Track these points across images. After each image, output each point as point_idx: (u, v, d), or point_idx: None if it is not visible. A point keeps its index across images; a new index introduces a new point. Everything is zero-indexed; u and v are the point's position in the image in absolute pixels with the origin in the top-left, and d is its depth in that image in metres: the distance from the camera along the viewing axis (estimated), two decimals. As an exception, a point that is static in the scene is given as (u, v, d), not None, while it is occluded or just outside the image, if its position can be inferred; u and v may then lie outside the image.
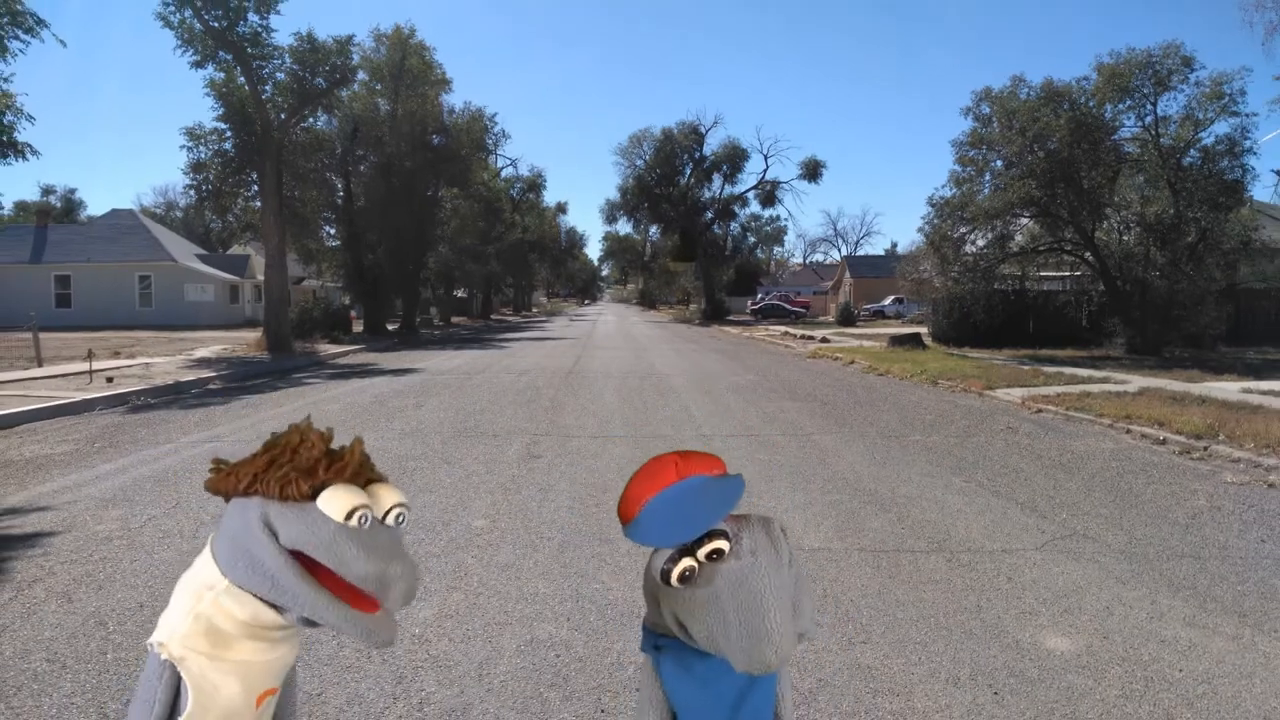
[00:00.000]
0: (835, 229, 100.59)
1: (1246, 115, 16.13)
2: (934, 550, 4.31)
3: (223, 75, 18.39)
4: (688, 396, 11.03)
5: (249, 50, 17.57)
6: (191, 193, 20.92)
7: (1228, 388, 10.72)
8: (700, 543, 1.15)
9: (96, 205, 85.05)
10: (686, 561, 1.15)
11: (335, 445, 1.19)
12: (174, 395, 11.19)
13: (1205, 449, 7.00)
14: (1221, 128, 16.66)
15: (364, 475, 1.17)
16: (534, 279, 77.10)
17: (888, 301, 45.50)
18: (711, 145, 47.37)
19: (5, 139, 12.71)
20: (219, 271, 35.11)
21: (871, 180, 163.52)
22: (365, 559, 1.07)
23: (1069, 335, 19.51)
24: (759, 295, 58.86)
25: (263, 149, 18.55)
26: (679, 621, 1.20)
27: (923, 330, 22.75)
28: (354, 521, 1.09)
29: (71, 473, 6.14)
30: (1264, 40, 18.73)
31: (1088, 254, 17.86)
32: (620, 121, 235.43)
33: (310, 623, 1.14)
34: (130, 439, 7.63)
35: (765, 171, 58.82)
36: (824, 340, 24.06)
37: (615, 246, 73.85)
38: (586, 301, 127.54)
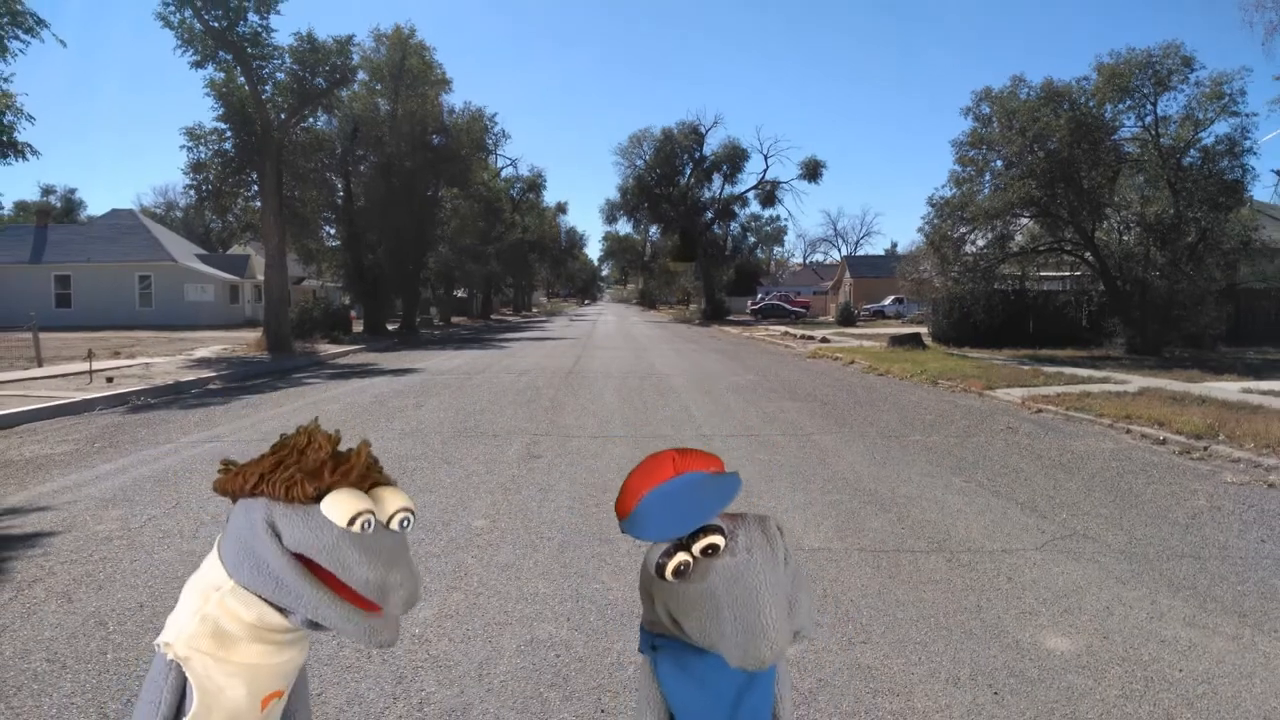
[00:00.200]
0: (835, 229, 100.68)
1: (1246, 115, 16.15)
2: (934, 550, 4.31)
3: (223, 75, 18.40)
4: (688, 396, 11.03)
5: (249, 50, 17.57)
6: (191, 193, 20.93)
7: (1228, 388, 10.72)
8: (695, 538, 1.16)
9: (96, 205, 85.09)
10: (681, 556, 1.15)
11: (343, 447, 1.19)
12: (174, 395, 11.19)
13: (1205, 449, 7.00)
14: (1221, 128, 16.68)
15: (370, 478, 1.17)
16: (534, 279, 77.11)
17: (888, 301, 45.50)
18: (711, 145, 47.47)
19: (5, 139, 12.71)
20: (219, 271, 35.11)
21: (871, 180, 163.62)
22: (367, 565, 1.08)
23: (1069, 335, 19.51)
24: (759, 295, 58.86)
25: (263, 149, 18.55)
26: (672, 617, 1.20)
27: (923, 330, 22.75)
28: (356, 527, 1.09)
29: (71, 473, 6.14)
30: (1264, 40, 18.73)
31: (1088, 254, 17.86)
32: (620, 121, 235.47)
33: (315, 625, 1.14)
34: (130, 439, 7.63)
35: (765, 171, 58.92)
36: (824, 340, 24.06)
37: (615, 246, 73.84)
38: (586, 301, 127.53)
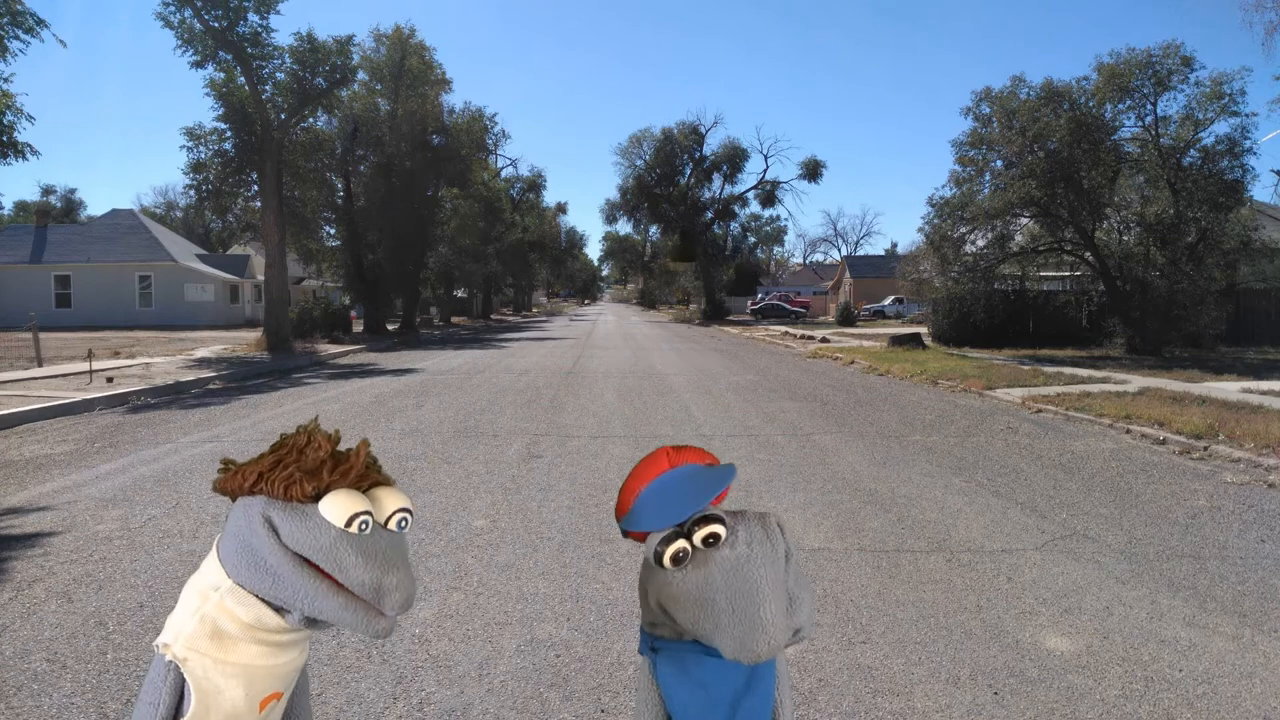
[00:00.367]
0: (835, 229, 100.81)
1: (1246, 115, 16.15)
2: (934, 550, 4.31)
3: (223, 75, 18.40)
4: (688, 396, 11.03)
5: (249, 50, 17.58)
6: (191, 193, 20.92)
7: (1228, 388, 10.72)
8: (696, 527, 1.16)
9: (96, 205, 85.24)
10: (680, 543, 1.15)
11: (342, 447, 1.19)
12: (174, 395, 11.20)
13: (1205, 449, 7.00)
14: (1221, 128, 16.69)
15: (369, 478, 1.18)
16: (534, 279, 77.11)
17: (888, 301, 45.53)
18: (711, 145, 47.45)
19: (5, 139, 12.70)
20: (219, 271, 35.11)
21: (871, 180, 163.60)
22: (364, 566, 1.08)
23: (1069, 335, 19.52)
24: (759, 295, 58.88)
25: (263, 149, 18.55)
26: (663, 607, 1.20)
27: (923, 330, 22.76)
28: (354, 528, 1.09)
29: (71, 473, 6.14)
30: (1264, 40, 18.74)
31: (1088, 254, 17.86)
32: (620, 121, 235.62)
33: (313, 623, 1.14)
34: (130, 439, 7.63)
35: (765, 171, 59.08)
36: (824, 340, 24.06)
37: (615, 246, 73.89)
38: (586, 301, 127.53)
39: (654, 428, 8.40)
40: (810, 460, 6.68)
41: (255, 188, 20.20)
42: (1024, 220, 18.96)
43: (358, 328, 28.73)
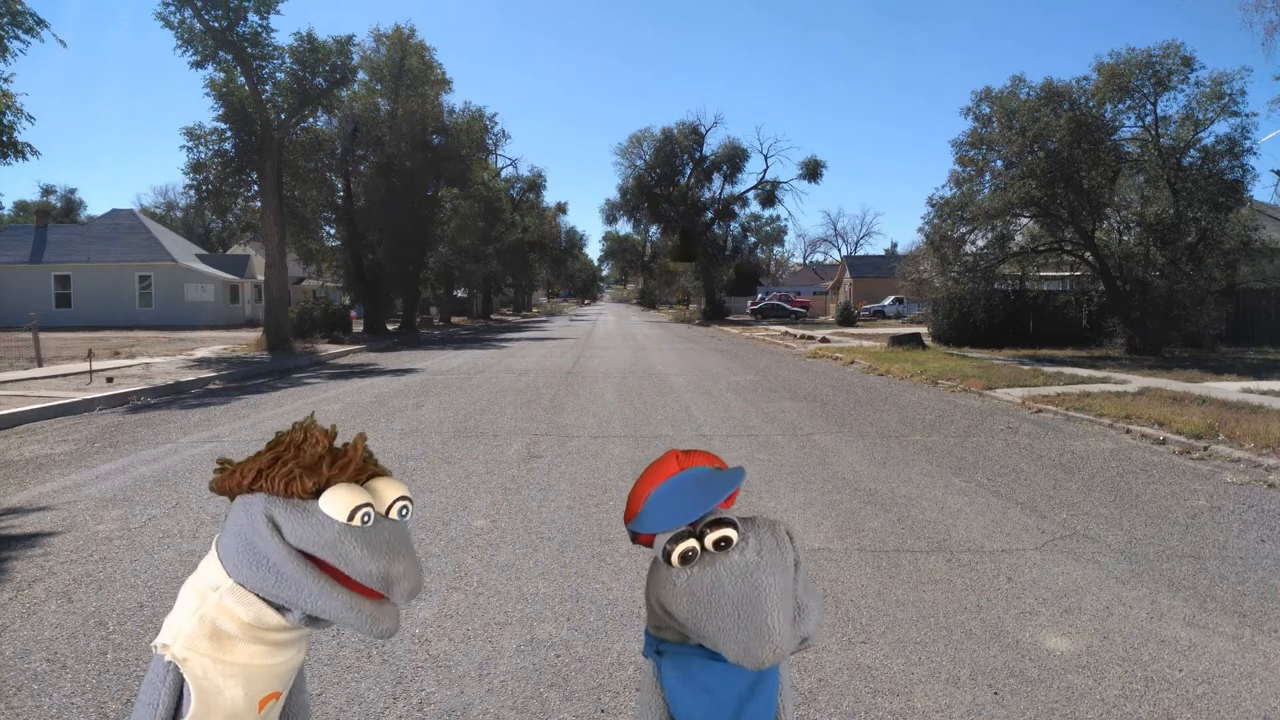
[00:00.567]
0: (835, 229, 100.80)
1: (1246, 115, 16.15)
2: (934, 550, 4.31)
3: (223, 75, 18.40)
4: (688, 396, 11.03)
5: (249, 50, 17.58)
6: (191, 193, 20.92)
7: (1228, 388, 10.72)
8: (708, 530, 1.16)
9: (96, 205, 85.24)
10: (690, 542, 1.16)
11: (338, 443, 1.19)
12: (174, 395, 11.20)
13: (1205, 449, 7.00)
14: (1221, 128, 16.68)
15: (367, 470, 1.18)
16: (534, 279, 77.11)
17: (888, 301, 45.53)
18: (711, 145, 47.45)
19: (5, 139, 12.70)
20: (219, 271, 35.12)
21: (871, 180, 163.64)
22: (370, 558, 1.08)
23: (1069, 335, 19.52)
24: (759, 295, 58.88)
25: (263, 149, 18.55)
26: (665, 607, 1.20)
27: (923, 330, 22.75)
28: (357, 520, 1.09)
29: (71, 473, 6.14)
30: (1264, 40, 18.73)
31: (1088, 254, 17.86)
32: (620, 121, 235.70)
33: (314, 621, 1.14)
34: (130, 439, 7.63)
35: (765, 171, 59.06)
36: (824, 340, 24.06)
37: (615, 246, 73.88)
38: (586, 301, 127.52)
39: (654, 428, 8.40)
40: (810, 460, 6.68)
41: (255, 188, 20.20)
42: (1024, 220, 18.97)
43: (358, 328, 28.73)
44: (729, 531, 1.16)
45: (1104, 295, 18.35)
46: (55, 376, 12.56)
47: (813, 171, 46.34)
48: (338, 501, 1.10)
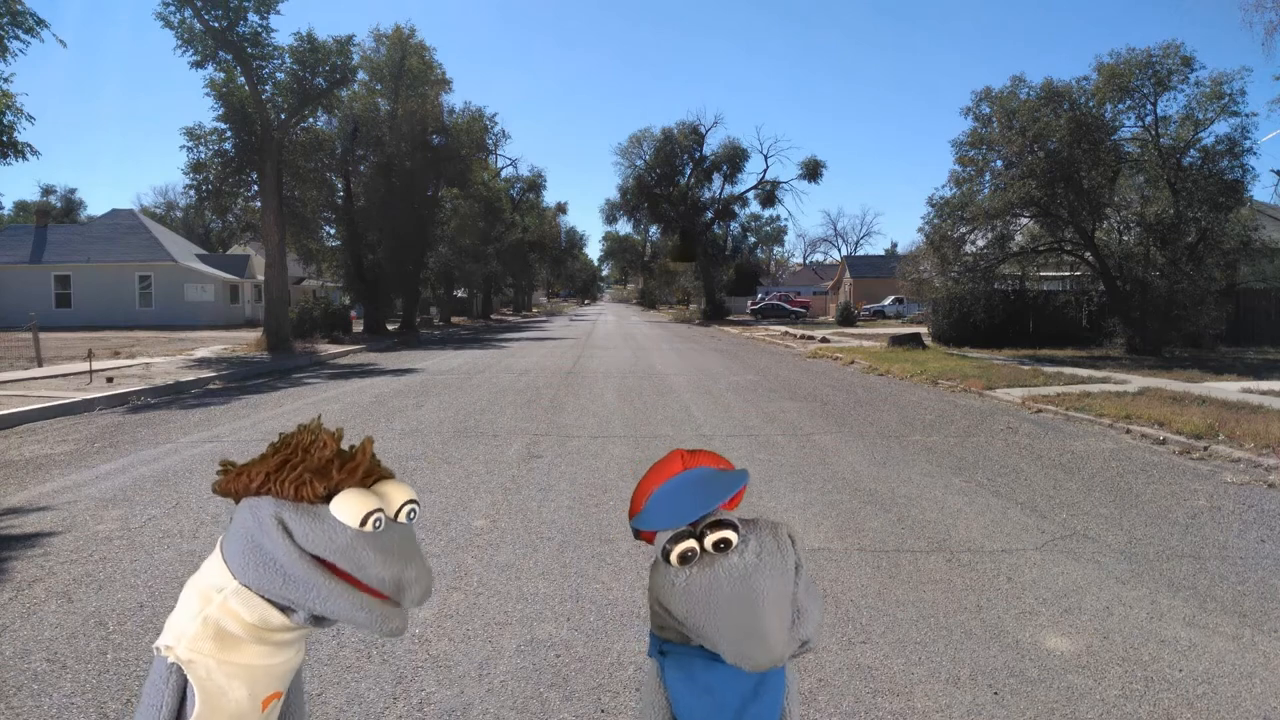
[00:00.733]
0: (835, 229, 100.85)
1: (1246, 115, 16.15)
2: (934, 550, 4.31)
3: (223, 75, 18.40)
4: (688, 396, 11.03)
5: (249, 50, 17.58)
6: (191, 193, 20.92)
7: (1228, 388, 10.72)
8: (708, 531, 1.16)
9: (96, 205, 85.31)
10: (690, 542, 1.16)
11: (344, 445, 1.19)
12: (174, 395, 11.19)
13: (1205, 449, 7.00)
14: (1221, 128, 16.69)
15: (374, 473, 1.18)
16: (534, 279, 77.12)
17: (888, 301, 45.53)
18: (711, 145, 47.46)
19: (5, 139, 12.71)
20: (219, 271, 35.12)
21: (871, 180, 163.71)
22: (383, 563, 1.08)
23: (1069, 335, 19.52)
24: (759, 295, 58.88)
25: (263, 149, 18.55)
26: (664, 606, 1.20)
27: (923, 330, 22.76)
28: (369, 526, 1.09)
29: (71, 473, 6.14)
30: (1264, 40, 18.75)
31: (1088, 254, 17.86)
32: (620, 121, 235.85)
33: (319, 622, 1.14)
34: (130, 439, 7.63)
35: (765, 171, 59.11)
36: (824, 340, 24.06)
37: (615, 246, 73.88)
38: (586, 301, 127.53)
39: (654, 428, 8.40)
40: (810, 460, 6.68)
41: (255, 188, 20.20)
42: (1024, 220, 18.97)
43: (358, 328, 28.73)
44: (728, 533, 1.16)
45: (1104, 295, 18.35)
46: (55, 376, 12.56)
47: (813, 171, 46.34)
48: (350, 507, 1.10)
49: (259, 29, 17.54)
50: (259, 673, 1.15)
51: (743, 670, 1.15)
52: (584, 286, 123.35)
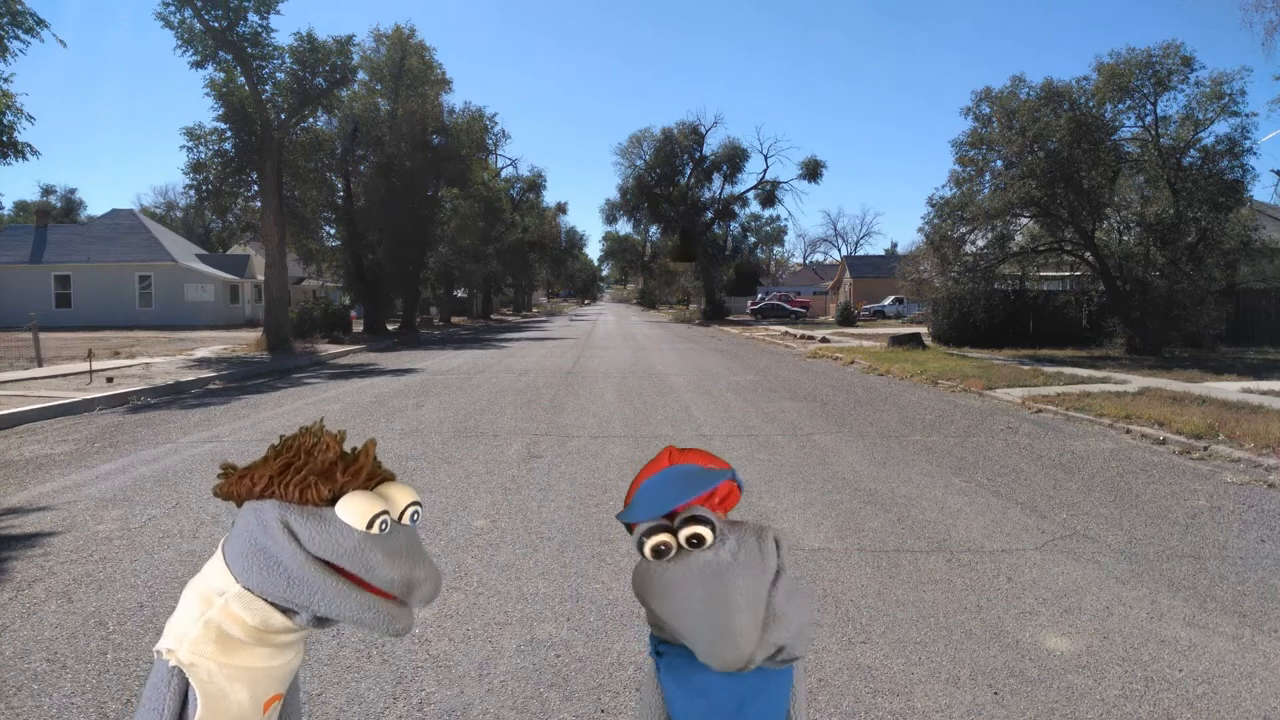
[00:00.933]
0: (835, 229, 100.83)
1: (1246, 115, 16.15)
2: (934, 550, 4.31)
3: (223, 75, 18.40)
4: (688, 396, 11.03)
5: (249, 50, 17.58)
6: (191, 193, 20.92)
7: (1228, 388, 10.72)
8: (683, 526, 1.16)
9: (96, 205, 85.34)
10: (663, 536, 1.16)
11: (346, 446, 1.19)
12: (174, 395, 11.19)
13: (1205, 449, 7.00)
14: (1221, 128, 16.68)
15: (377, 475, 1.18)
16: (534, 279, 77.12)
17: (888, 301, 45.53)
18: (711, 145, 47.46)
19: (5, 139, 12.71)
20: (219, 271, 35.11)
21: (871, 180, 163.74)
22: (391, 565, 1.09)
23: (1069, 335, 19.52)
24: (759, 295, 58.88)
25: (263, 149, 18.55)
26: (643, 602, 1.21)
27: (923, 330, 22.76)
28: (375, 529, 1.10)
29: (71, 473, 6.14)
30: (1264, 40, 18.75)
31: (1088, 254, 17.86)
32: (620, 121, 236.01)
33: (321, 622, 1.14)
34: (130, 439, 7.63)
35: (765, 171, 59.11)
36: (824, 340, 24.06)
37: (615, 246, 73.88)
38: (586, 301, 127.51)
39: (654, 428, 8.40)
40: (810, 460, 6.68)
41: (255, 188, 20.20)
42: (1024, 220, 18.97)
43: (358, 328, 28.73)
44: (702, 529, 1.16)
45: (1104, 295, 18.35)
46: (55, 376, 12.56)
47: (813, 171, 46.34)
48: (356, 510, 1.10)
49: (259, 29, 17.55)
50: (260, 675, 1.15)
51: (739, 673, 1.14)
52: (584, 286, 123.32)
